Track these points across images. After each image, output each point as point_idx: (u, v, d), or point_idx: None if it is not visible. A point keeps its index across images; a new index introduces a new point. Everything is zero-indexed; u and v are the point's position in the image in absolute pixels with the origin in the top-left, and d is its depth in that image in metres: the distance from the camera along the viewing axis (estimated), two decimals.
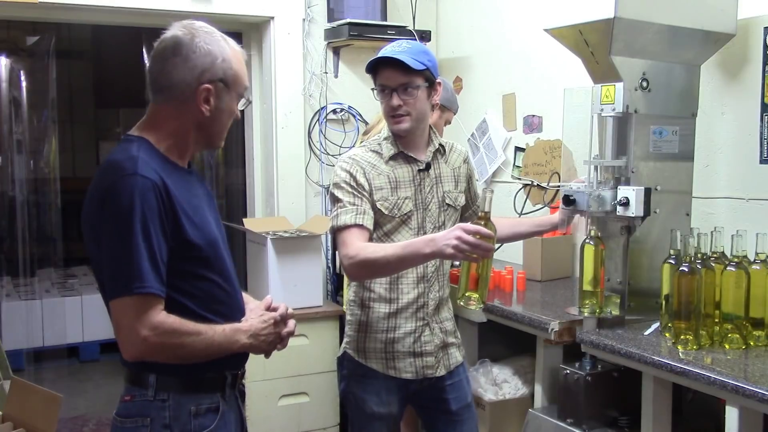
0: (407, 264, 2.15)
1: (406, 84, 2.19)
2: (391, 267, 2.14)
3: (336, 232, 2.21)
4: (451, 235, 1.94)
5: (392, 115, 2.23)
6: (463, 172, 2.42)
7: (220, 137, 1.77)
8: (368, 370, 2.28)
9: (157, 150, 1.67)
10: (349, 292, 2.39)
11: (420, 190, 2.28)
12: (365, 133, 3.15)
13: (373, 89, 2.28)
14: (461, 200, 2.39)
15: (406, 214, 2.25)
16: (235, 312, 1.77)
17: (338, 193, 2.23)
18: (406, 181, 2.27)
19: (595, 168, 2.46)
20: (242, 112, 4.26)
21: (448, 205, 2.33)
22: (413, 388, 2.32)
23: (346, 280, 3.06)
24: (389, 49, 2.21)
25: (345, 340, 2.37)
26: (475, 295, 2.03)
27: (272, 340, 1.79)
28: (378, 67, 2.21)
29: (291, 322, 1.84)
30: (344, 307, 2.45)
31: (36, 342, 5.38)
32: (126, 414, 1.67)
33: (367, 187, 2.22)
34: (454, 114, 3.15)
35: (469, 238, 1.92)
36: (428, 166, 2.30)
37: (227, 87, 1.70)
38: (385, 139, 2.29)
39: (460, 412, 2.37)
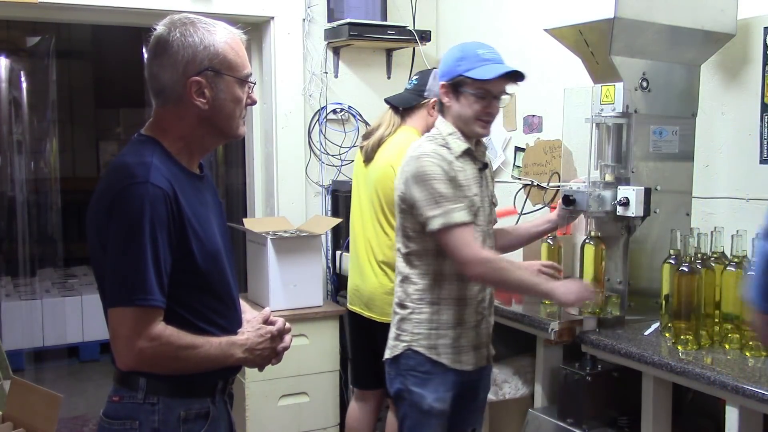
0: (523, 291, 2.42)
1: (503, 93, 2.27)
2: (513, 286, 2.32)
3: (450, 228, 2.15)
4: (576, 288, 2.25)
5: (484, 119, 2.26)
6: (491, 170, 2.47)
7: (232, 126, 1.69)
8: (435, 365, 2.28)
9: (168, 153, 1.64)
10: (400, 291, 2.34)
11: (481, 189, 2.31)
12: (367, 136, 3.08)
13: (463, 91, 2.24)
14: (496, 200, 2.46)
15: (476, 213, 2.27)
16: (233, 324, 1.74)
17: (441, 187, 2.17)
18: (472, 179, 2.28)
19: (597, 167, 2.47)
20: None
21: (493, 203, 2.40)
22: (464, 380, 2.36)
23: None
24: (496, 57, 2.23)
25: (406, 338, 2.30)
26: None
27: (267, 354, 1.75)
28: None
29: (287, 338, 1.80)
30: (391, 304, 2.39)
31: (36, 342, 5.38)
32: (114, 415, 1.64)
33: (456, 182, 2.22)
34: None
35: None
36: (486, 166, 2.35)
37: (219, 74, 1.62)
38: (450, 134, 2.28)
39: (484, 399, 2.48)
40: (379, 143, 2.96)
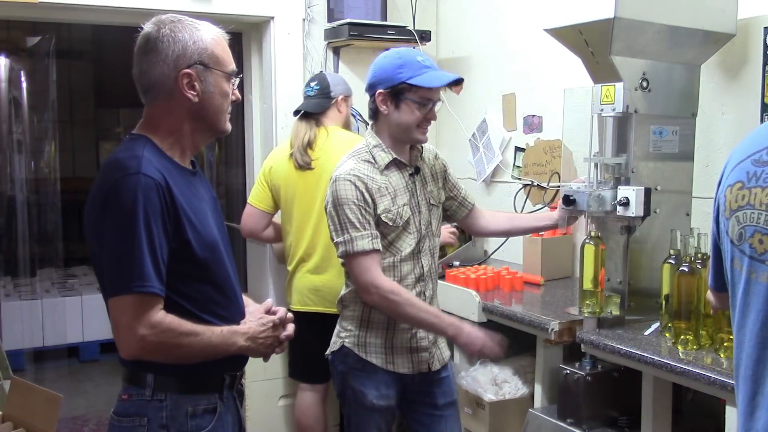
0: (423, 327, 2.29)
1: (439, 99, 2.31)
2: (409, 320, 2.25)
3: (351, 256, 2.21)
4: (483, 337, 2.19)
5: (423, 126, 2.28)
6: (438, 168, 2.46)
7: (220, 121, 1.74)
8: (367, 364, 2.31)
9: (159, 149, 1.68)
10: (344, 288, 2.39)
11: (413, 195, 2.33)
12: (297, 147, 3.16)
13: (404, 99, 2.23)
14: (442, 196, 2.45)
15: (406, 221, 2.29)
16: (234, 314, 1.77)
17: (349, 214, 2.20)
18: (401, 188, 2.30)
19: (596, 165, 2.46)
20: (242, 111, 4.27)
21: (432, 204, 2.39)
22: (407, 382, 2.36)
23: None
24: (434, 64, 2.27)
25: (343, 334, 2.37)
26: None
27: (270, 343, 1.79)
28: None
29: (290, 326, 1.84)
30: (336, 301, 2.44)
31: (36, 342, 5.38)
32: (123, 413, 1.68)
33: (371, 203, 2.23)
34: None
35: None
36: (417, 170, 2.35)
37: (208, 68, 1.69)
38: (375, 146, 2.30)
39: (444, 407, 2.43)
40: (307, 147, 3.11)
